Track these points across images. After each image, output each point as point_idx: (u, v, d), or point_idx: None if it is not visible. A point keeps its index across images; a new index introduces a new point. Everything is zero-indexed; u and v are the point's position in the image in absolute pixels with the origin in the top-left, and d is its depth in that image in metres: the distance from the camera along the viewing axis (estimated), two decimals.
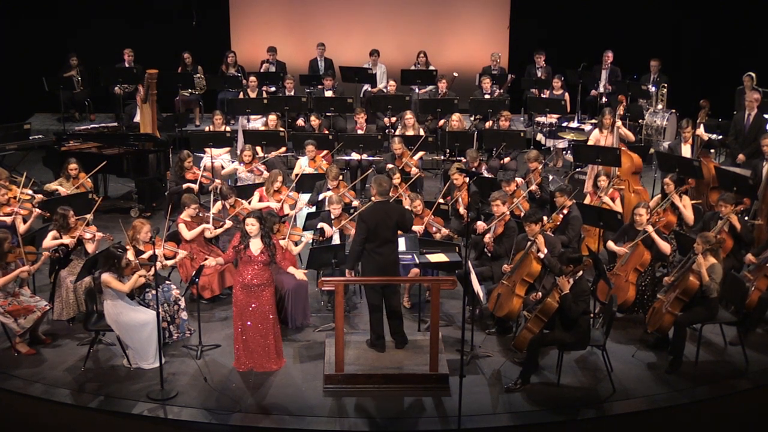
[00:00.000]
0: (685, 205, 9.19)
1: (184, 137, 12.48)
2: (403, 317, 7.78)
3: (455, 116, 11.99)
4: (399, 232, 7.70)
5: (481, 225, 8.75)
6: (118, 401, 7.05)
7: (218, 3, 15.27)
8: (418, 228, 8.72)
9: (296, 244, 8.62)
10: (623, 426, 7.08)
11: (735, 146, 11.05)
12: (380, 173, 10.40)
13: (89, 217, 8.65)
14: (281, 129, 11.96)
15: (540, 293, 7.57)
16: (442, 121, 12.74)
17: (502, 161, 11.42)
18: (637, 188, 10.38)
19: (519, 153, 11.55)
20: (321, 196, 9.77)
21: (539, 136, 12.92)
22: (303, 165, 10.86)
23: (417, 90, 13.77)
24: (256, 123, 12.59)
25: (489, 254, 8.54)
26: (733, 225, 8.41)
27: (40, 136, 12.79)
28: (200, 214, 8.89)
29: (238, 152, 11.35)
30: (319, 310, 8.64)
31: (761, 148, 9.88)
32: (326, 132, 12.34)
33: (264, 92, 13.48)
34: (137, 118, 12.78)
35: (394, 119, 12.89)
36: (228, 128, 12.25)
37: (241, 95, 13.35)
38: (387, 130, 12.75)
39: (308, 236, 8.82)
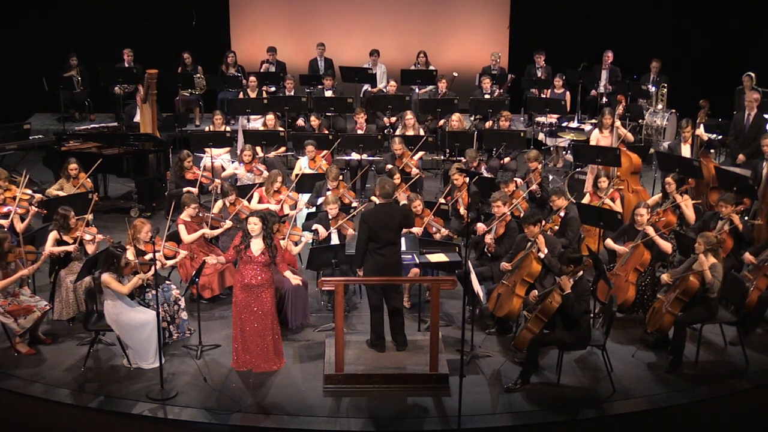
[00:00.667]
0: (687, 205, 9.19)
1: (184, 137, 12.50)
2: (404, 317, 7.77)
3: (455, 116, 11.97)
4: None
5: (481, 227, 8.75)
6: (118, 401, 7.05)
7: (218, 3, 15.26)
8: (417, 228, 8.73)
9: (296, 244, 8.63)
10: (623, 426, 7.07)
11: (735, 146, 11.05)
12: (380, 173, 10.41)
13: (89, 217, 8.65)
14: (281, 129, 11.96)
15: (537, 291, 7.57)
16: (442, 121, 12.73)
17: (502, 161, 11.41)
18: (637, 188, 10.37)
19: (519, 153, 11.55)
20: (320, 200, 9.73)
21: (540, 136, 12.90)
22: (303, 165, 10.86)
23: (417, 90, 13.76)
24: (256, 123, 12.59)
25: (489, 254, 8.54)
26: (735, 225, 8.40)
27: (40, 136, 12.79)
28: (200, 214, 8.89)
29: (238, 152, 11.35)
30: (319, 310, 8.64)
31: (761, 148, 9.88)
32: (326, 132, 12.34)
33: (264, 92, 13.48)
34: (137, 118, 12.77)
35: (394, 119, 12.88)
36: (228, 128, 12.26)
37: (241, 95, 13.35)
38: (387, 130, 12.74)
39: (308, 236, 8.82)
